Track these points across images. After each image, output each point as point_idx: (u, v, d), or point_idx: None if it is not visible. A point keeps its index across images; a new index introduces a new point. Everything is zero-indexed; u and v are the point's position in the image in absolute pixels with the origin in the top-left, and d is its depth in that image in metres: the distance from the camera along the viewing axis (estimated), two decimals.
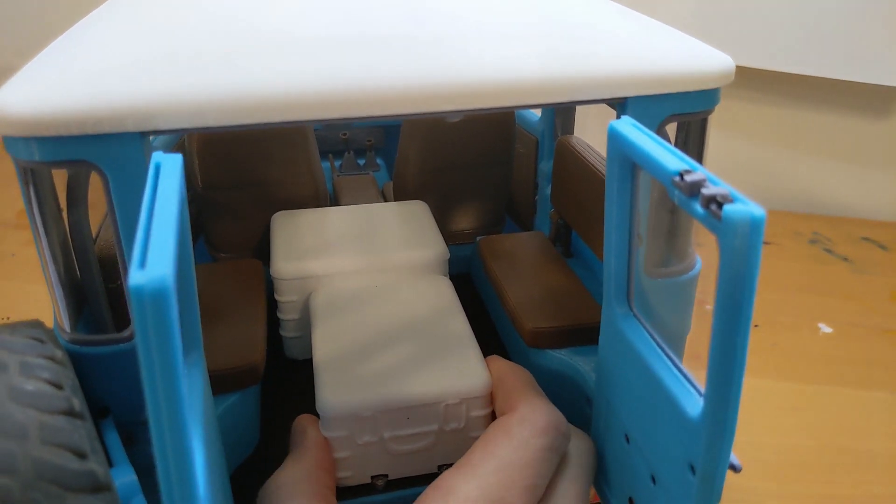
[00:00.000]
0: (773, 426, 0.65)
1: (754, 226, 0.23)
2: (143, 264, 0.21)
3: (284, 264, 0.48)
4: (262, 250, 0.56)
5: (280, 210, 0.55)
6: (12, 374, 0.25)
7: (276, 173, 0.56)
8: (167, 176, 0.26)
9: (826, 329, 0.81)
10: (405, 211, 0.55)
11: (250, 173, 0.56)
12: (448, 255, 0.50)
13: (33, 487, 0.22)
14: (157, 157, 0.27)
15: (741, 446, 0.60)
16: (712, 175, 0.25)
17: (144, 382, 0.21)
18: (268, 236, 0.53)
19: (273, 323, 0.48)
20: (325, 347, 0.42)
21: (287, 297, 0.48)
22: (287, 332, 0.49)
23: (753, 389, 0.69)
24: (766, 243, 0.98)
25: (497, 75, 0.32)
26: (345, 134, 0.77)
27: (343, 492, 0.39)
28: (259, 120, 0.30)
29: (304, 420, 0.40)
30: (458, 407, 0.38)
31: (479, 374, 0.39)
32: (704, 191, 0.24)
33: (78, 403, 0.26)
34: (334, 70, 0.31)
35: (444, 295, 0.47)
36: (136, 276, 0.20)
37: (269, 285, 0.49)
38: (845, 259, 0.95)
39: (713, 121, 0.36)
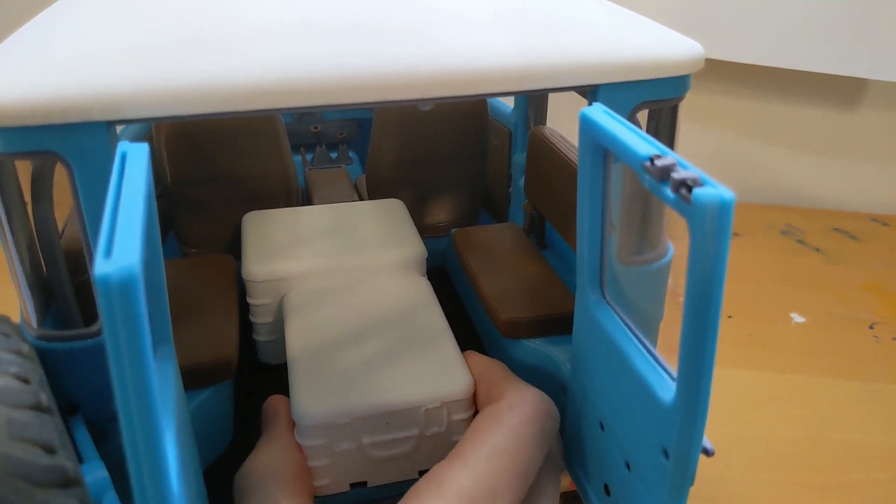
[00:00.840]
0: (747, 416, 0.66)
1: (723, 208, 0.23)
2: (108, 253, 0.20)
3: (257, 266, 0.47)
4: (232, 245, 0.56)
5: (251, 205, 0.55)
6: None
7: (246, 167, 0.56)
8: (133, 165, 0.26)
9: (799, 319, 0.82)
10: (381, 209, 0.54)
11: (220, 168, 0.55)
12: (426, 255, 0.49)
13: (1, 483, 0.22)
14: (124, 146, 0.27)
15: (716, 435, 0.61)
16: (682, 159, 0.25)
17: (113, 375, 0.21)
18: (239, 231, 0.53)
19: (245, 318, 0.47)
20: (299, 352, 0.41)
21: (260, 299, 0.47)
22: (260, 336, 0.48)
23: (728, 379, 0.70)
24: (738, 235, 0.99)
25: (470, 63, 0.32)
26: (316, 127, 0.76)
27: (320, 500, 0.38)
28: (227, 108, 0.30)
29: (275, 401, 0.39)
30: (440, 410, 0.38)
31: (459, 376, 0.38)
32: (675, 175, 0.24)
33: (45, 398, 0.25)
34: (304, 58, 0.31)
35: (422, 295, 0.46)
36: (102, 265, 0.19)
37: (241, 281, 0.48)
38: (817, 250, 0.97)
39: (686, 113, 0.36)
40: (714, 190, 0.23)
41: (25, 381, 0.25)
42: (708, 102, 1.05)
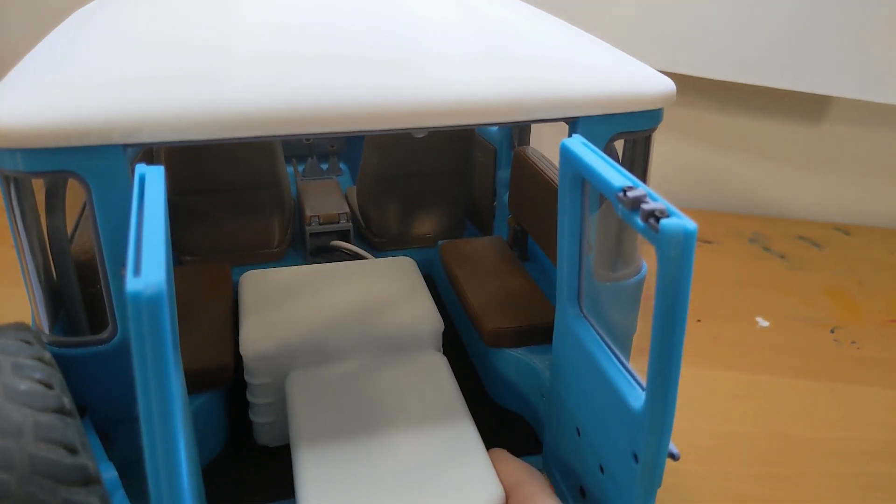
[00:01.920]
0: (710, 412, 0.68)
1: (687, 237, 0.26)
2: (137, 271, 0.23)
3: (256, 341, 0.42)
4: (228, 253, 0.57)
5: (246, 214, 0.56)
6: (5, 375, 0.26)
7: (242, 179, 0.57)
8: (152, 186, 0.28)
9: (763, 323, 0.85)
10: (390, 270, 0.50)
11: (216, 178, 0.57)
12: (443, 328, 0.45)
13: (30, 482, 0.24)
14: (141, 168, 0.29)
15: (684, 432, 0.64)
16: (652, 191, 0.28)
17: (138, 381, 0.23)
18: (235, 239, 0.54)
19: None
20: (308, 450, 0.37)
21: (259, 378, 0.43)
22: (259, 418, 0.43)
23: (696, 379, 0.73)
24: (708, 242, 1.02)
25: (460, 96, 0.34)
26: (308, 139, 0.78)
27: None
28: (237, 135, 0.32)
29: None
30: None
31: (489, 489, 0.35)
32: (644, 206, 0.27)
33: (68, 402, 0.27)
34: (309, 89, 0.33)
35: (441, 381, 0.42)
36: (133, 283, 0.22)
37: (237, 288, 0.50)
38: (782, 257, 1.00)
39: (662, 127, 0.39)
40: (679, 221, 0.26)
41: (49, 386, 0.27)
42: (683, 116, 1.08)
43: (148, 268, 0.23)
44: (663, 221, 0.26)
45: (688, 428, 0.66)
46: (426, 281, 0.52)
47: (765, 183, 1.13)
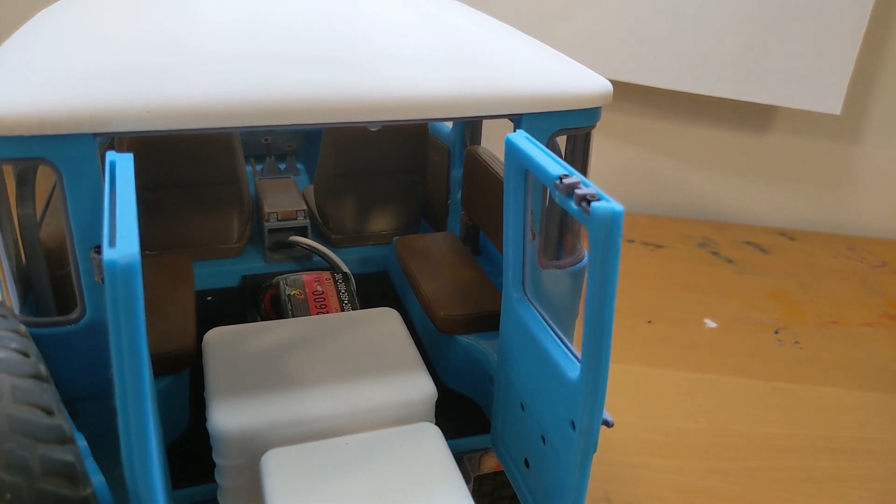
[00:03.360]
0: (664, 410, 0.71)
1: (614, 218, 0.28)
2: (112, 243, 0.25)
3: (226, 416, 0.37)
4: (187, 247, 0.59)
5: (206, 210, 0.58)
6: None
7: (202, 175, 0.59)
8: (122, 172, 0.30)
9: (711, 324, 0.88)
10: (373, 326, 0.45)
11: (177, 174, 0.58)
12: (436, 395, 0.41)
13: (8, 439, 0.26)
14: (111, 155, 0.31)
15: (635, 428, 0.67)
16: (585, 179, 0.31)
17: (112, 348, 0.25)
18: (194, 234, 0.56)
19: (202, 313, 0.50)
20: None
21: (230, 459, 0.38)
22: (229, 502, 0.39)
23: (647, 378, 0.76)
24: (659, 246, 1.06)
25: (415, 92, 0.37)
26: (267, 139, 0.80)
27: None
28: (201, 125, 0.34)
29: None
30: None
31: None
32: (577, 191, 0.30)
33: (43, 369, 0.29)
34: (271, 83, 0.35)
35: (437, 457, 0.38)
36: (109, 253, 0.24)
37: (197, 279, 0.51)
38: (729, 261, 1.04)
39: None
40: (608, 204, 0.29)
41: (25, 354, 0.29)
42: (634, 124, 1.12)
43: (122, 240, 0.25)
44: (594, 204, 0.29)
45: (639, 424, 0.69)
46: (382, 276, 0.53)
47: (713, 190, 1.17)
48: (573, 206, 0.30)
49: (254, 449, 0.37)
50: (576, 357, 0.35)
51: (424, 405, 0.40)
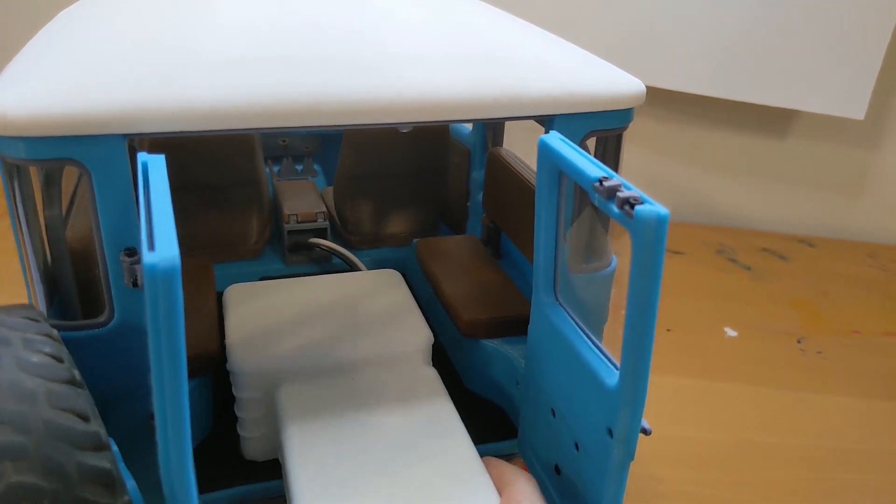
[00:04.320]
0: (684, 420, 0.70)
1: (660, 222, 0.28)
2: (151, 246, 0.24)
3: (244, 356, 0.42)
4: (208, 249, 0.59)
5: (227, 211, 0.58)
6: (16, 348, 0.28)
7: (221, 176, 0.59)
8: (155, 172, 0.30)
9: (732, 332, 0.87)
10: (377, 283, 0.50)
11: (197, 175, 0.58)
12: (433, 341, 0.45)
13: (46, 445, 0.26)
14: (143, 156, 0.31)
15: (653, 439, 0.66)
16: (626, 181, 0.30)
17: (152, 352, 0.25)
18: (213, 236, 0.55)
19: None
20: (303, 465, 0.36)
21: (248, 392, 0.42)
22: (247, 432, 0.43)
23: (666, 387, 0.74)
24: (677, 253, 1.05)
25: (446, 93, 0.36)
26: (284, 140, 0.80)
27: None
28: (231, 126, 0.34)
29: None
30: None
31: (484, 497, 0.35)
32: (619, 194, 0.29)
33: (77, 374, 0.29)
34: (299, 85, 0.35)
35: (433, 393, 0.42)
36: (149, 257, 0.23)
37: (219, 282, 0.51)
38: (748, 268, 1.03)
39: (632, 138, 0.41)
40: (652, 207, 0.28)
41: (59, 360, 0.28)
42: (652, 128, 1.11)
43: (161, 243, 0.24)
44: (638, 208, 0.28)
45: (658, 434, 0.67)
46: None
47: (731, 195, 1.16)
48: (615, 209, 0.29)
49: (268, 384, 0.41)
50: (613, 363, 0.34)
51: (423, 350, 0.45)
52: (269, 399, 0.41)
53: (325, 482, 0.35)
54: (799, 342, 0.86)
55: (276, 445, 0.40)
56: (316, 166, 0.82)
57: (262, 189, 0.61)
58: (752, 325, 0.88)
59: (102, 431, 0.27)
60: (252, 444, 0.43)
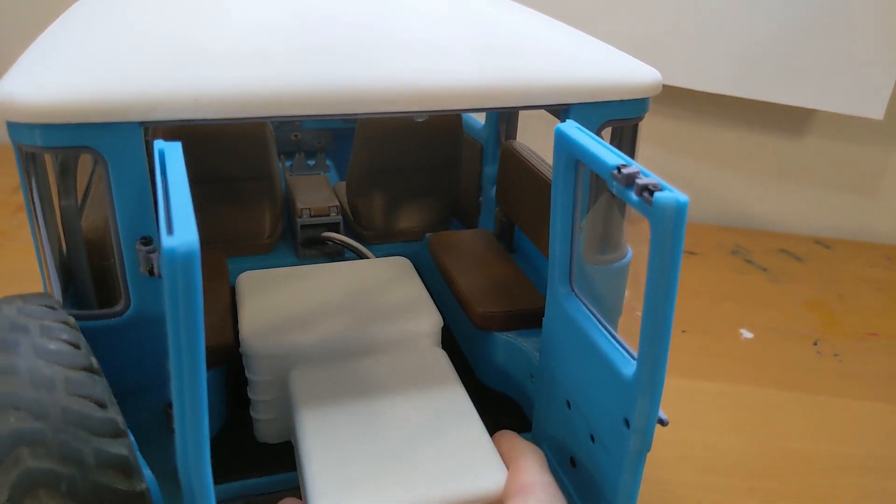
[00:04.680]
0: (702, 424, 0.69)
1: (679, 209, 0.27)
2: (170, 230, 0.24)
3: (257, 339, 0.43)
4: (221, 242, 0.59)
5: (240, 205, 0.58)
6: (34, 335, 0.28)
7: (235, 169, 0.59)
8: (173, 159, 0.30)
9: (748, 335, 0.86)
10: (387, 269, 0.51)
11: (210, 168, 0.58)
12: (442, 324, 0.46)
13: (63, 431, 0.26)
14: (160, 144, 0.31)
15: (670, 444, 0.65)
16: (644, 169, 0.30)
17: (171, 339, 0.24)
18: (226, 229, 0.55)
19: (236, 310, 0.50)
20: (315, 443, 0.37)
21: (260, 375, 0.43)
22: (260, 414, 0.44)
23: (682, 389, 0.74)
24: (692, 253, 1.04)
25: (466, 82, 0.36)
26: (296, 135, 0.80)
27: None
28: (247, 114, 0.34)
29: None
30: None
31: (492, 471, 0.36)
32: (638, 181, 0.29)
33: (95, 362, 0.29)
34: (316, 73, 0.35)
35: (442, 373, 0.43)
36: (168, 241, 0.23)
37: (232, 276, 0.51)
38: (764, 269, 1.02)
39: (647, 136, 0.41)
40: (672, 194, 0.28)
41: (76, 346, 0.28)
42: (668, 127, 1.10)
43: (180, 227, 0.24)
44: (657, 195, 0.28)
45: (675, 439, 0.67)
46: None
47: (747, 195, 1.15)
48: (633, 196, 0.29)
49: (281, 367, 0.42)
50: (630, 354, 0.34)
51: (432, 332, 0.45)
52: (281, 382, 0.42)
53: (336, 462, 0.36)
54: (815, 344, 0.85)
55: (289, 428, 0.40)
56: (328, 161, 0.82)
57: (275, 183, 0.61)
58: (768, 328, 0.87)
59: (120, 419, 0.27)
60: (265, 427, 0.44)
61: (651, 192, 0.28)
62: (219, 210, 0.59)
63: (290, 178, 0.70)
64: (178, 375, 0.25)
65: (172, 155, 0.30)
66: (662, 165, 1.13)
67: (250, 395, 0.43)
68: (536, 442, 0.44)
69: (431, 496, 0.34)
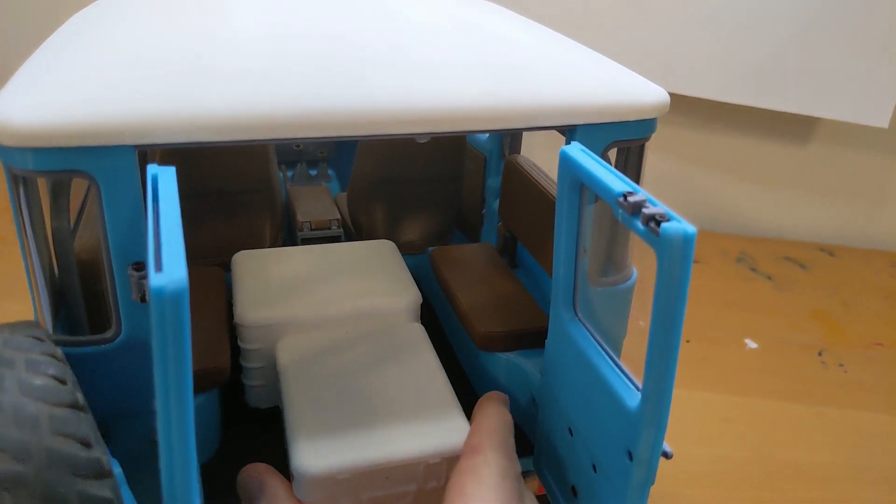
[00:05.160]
0: (703, 436, 0.69)
1: (686, 241, 0.26)
2: (158, 266, 0.23)
3: (249, 310, 0.46)
4: (219, 257, 0.58)
5: (239, 218, 0.57)
6: (20, 370, 0.27)
7: (234, 181, 0.58)
8: (165, 186, 0.29)
9: (752, 344, 0.85)
10: (373, 251, 0.54)
11: (209, 181, 0.58)
12: (421, 300, 0.49)
13: (46, 473, 0.25)
14: (153, 168, 0.30)
15: (674, 456, 0.64)
16: (652, 196, 0.29)
17: (157, 376, 0.23)
18: (226, 243, 0.54)
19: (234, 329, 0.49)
20: (297, 403, 0.40)
21: (252, 344, 0.46)
22: (251, 381, 0.47)
23: (686, 401, 0.73)
24: (695, 262, 1.03)
25: (468, 103, 0.35)
26: (298, 146, 0.79)
27: None
28: (246, 137, 0.33)
29: (256, 470, 0.38)
30: (439, 466, 0.38)
31: (459, 431, 0.39)
32: (645, 210, 0.28)
33: (81, 397, 0.28)
34: (317, 95, 0.34)
35: (419, 344, 0.46)
36: (156, 279, 0.22)
37: (230, 291, 0.50)
38: (769, 278, 1.01)
39: (651, 144, 0.40)
40: (679, 224, 0.27)
41: (62, 381, 0.27)
42: (672, 135, 1.10)
43: (169, 263, 0.23)
44: (664, 225, 0.27)
45: (678, 451, 0.66)
46: None
47: (751, 203, 1.14)
48: (639, 226, 0.28)
49: (270, 337, 0.45)
50: (634, 384, 0.33)
51: (411, 308, 0.48)
52: (270, 351, 0.45)
53: (317, 422, 0.39)
54: (820, 354, 0.84)
55: (277, 393, 0.43)
56: (330, 171, 0.81)
57: (275, 195, 0.60)
58: (773, 337, 0.87)
59: (104, 458, 0.26)
60: (255, 393, 0.47)
61: (658, 223, 0.27)
62: (218, 222, 0.58)
63: (292, 188, 0.69)
64: (166, 419, 0.24)
65: (166, 181, 0.29)
66: (666, 172, 1.12)
67: (242, 362, 0.46)
68: (538, 468, 0.43)
69: (401, 451, 0.37)
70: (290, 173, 0.79)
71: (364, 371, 0.43)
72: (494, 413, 0.40)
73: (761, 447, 0.68)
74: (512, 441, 0.39)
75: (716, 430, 0.70)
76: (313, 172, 0.80)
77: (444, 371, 0.43)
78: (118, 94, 0.32)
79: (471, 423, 0.39)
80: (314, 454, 0.37)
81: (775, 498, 0.62)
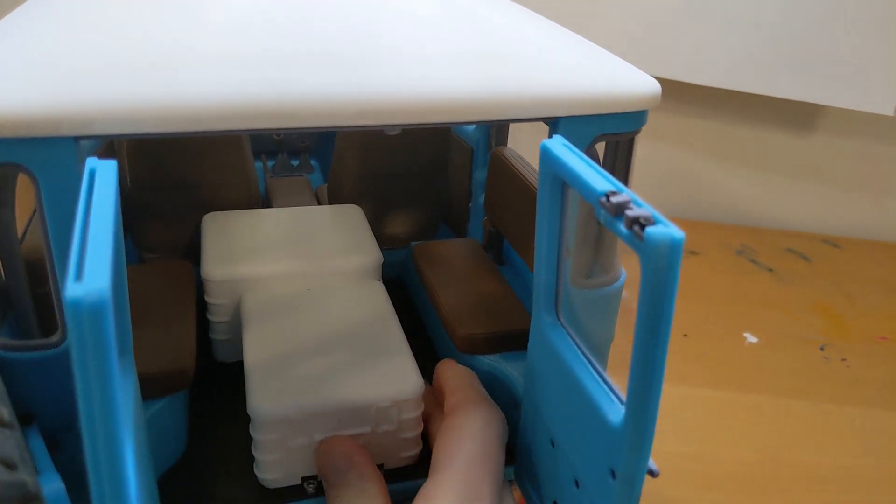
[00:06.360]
0: (699, 434, 0.67)
1: (673, 246, 0.24)
2: (79, 276, 0.21)
3: (215, 266, 0.47)
4: (191, 251, 0.56)
5: (211, 211, 0.55)
6: None
7: (207, 174, 0.56)
8: (102, 182, 0.26)
9: (752, 339, 0.83)
10: (339, 215, 0.55)
11: (181, 174, 0.56)
12: (382, 260, 0.50)
13: None
14: (92, 162, 0.27)
15: (667, 454, 0.62)
16: (637, 197, 0.26)
17: (79, 394, 0.21)
18: (198, 237, 0.53)
19: (203, 327, 0.47)
20: (256, 351, 0.42)
21: (217, 299, 0.47)
22: (217, 335, 0.48)
23: (683, 398, 0.71)
24: (694, 254, 1.01)
25: (440, 93, 0.32)
26: (279, 135, 0.76)
27: (272, 494, 0.39)
28: (196, 129, 0.30)
29: (343, 446, 0.38)
30: (390, 410, 0.39)
31: (409, 378, 0.40)
32: (629, 212, 0.25)
33: (7, 413, 0.25)
34: (277, 83, 0.31)
35: (377, 300, 0.47)
36: (74, 289, 0.20)
37: (200, 288, 0.48)
38: (770, 270, 0.99)
39: (647, 132, 0.38)
40: (665, 229, 0.24)
41: None
42: (670, 122, 1.07)
43: (91, 272, 0.21)
44: (649, 229, 0.24)
45: (674, 451, 0.64)
46: (397, 284, 0.54)
47: (753, 193, 1.12)
48: (622, 228, 0.25)
49: (234, 292, 0.47)
50: (618, 398, 0.30)
51: (373, 267, 0.50)
52: (234, 306, 0.47)
53: (274, 373, 0.40)
54: (822, 349, 0.82)
55: (241, 347, 0.44)
56: (312, 161, 0.78)
57: (250, 187, 0.58)
58: (774, 332, 0.85)
59: (31, 480, 0.24)
60: (221, 347, 0.49)
61: (642, 226, 0.25)
62: (189, 216, 0.55)
63: (271, 179, 0.67)
64: (93, 446, 0.21)
65: (104, 177, 0.26)
66: (664, 161, 1.10)
67: (209, 316, 0.48)
68: (518, 478, 0.41)
69: (352, 395, 0.39)
70: (270, 163, 0.76)
71: (323, 324, 0.45)
72: (460, 372, 0.42)
73: (760, 446, 0.66)
74: (484, 390, 0.41)
75: (712, 429, 0.68)
76: (295, 163, 0.77)
77: (400, 326, 0.45)
78: (57, 82, 0.30)
79: (434, 389, 0.42)
80: (269, 397, 0.38)
81: (778, 500, 0.61)
